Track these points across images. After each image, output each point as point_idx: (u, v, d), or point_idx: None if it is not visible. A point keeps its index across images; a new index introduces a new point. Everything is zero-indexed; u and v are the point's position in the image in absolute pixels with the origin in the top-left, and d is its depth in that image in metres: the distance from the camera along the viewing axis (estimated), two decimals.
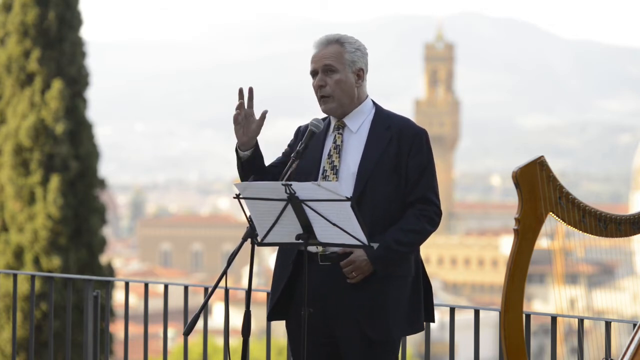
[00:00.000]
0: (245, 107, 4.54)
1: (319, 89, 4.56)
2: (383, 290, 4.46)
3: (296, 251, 4.53)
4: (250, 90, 4.54)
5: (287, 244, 4.39)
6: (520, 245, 4.58)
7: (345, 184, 4.48)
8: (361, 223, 4.17)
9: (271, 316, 4.63)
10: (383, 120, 4.57)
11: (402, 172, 4.51)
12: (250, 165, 4.57)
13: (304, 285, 4.30)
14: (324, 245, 4.32)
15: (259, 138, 4.59)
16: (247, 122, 4.55)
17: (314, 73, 4.57)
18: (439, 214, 4.54)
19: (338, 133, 4.59)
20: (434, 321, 4.67)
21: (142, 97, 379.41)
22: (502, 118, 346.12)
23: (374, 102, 4.65)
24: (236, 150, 4.59)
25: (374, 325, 4.44)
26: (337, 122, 4.61)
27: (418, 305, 4.55)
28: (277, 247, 4.55)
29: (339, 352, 4.53)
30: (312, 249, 4.48)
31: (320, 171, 4.55)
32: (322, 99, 4.56)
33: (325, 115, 4.68)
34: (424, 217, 4.49)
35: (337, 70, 4.53)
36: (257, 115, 4.57)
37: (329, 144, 4.60)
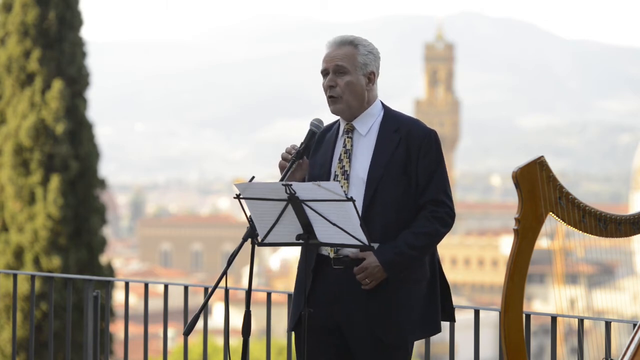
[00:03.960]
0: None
1: (328, 89, 4.53)
2: (397, 295, 4.44)
3: (315, 258, 4.50)
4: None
5: (288, 244, 4.38)
6: (520, 245, 4.58)
7: (356, 190, 4.47)
8: (361, 223, 4.16)
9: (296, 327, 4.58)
10: (391, 122, 4.54)
11: (412, 175, 4.47)
12: None
13: (306, 288, 4.31)
14: (325, 245, 4.31)
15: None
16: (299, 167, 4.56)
17: (324, 72, 4.54)
18: (451, 214, 4.49)
19: (348, 137, 4.56)
20: (454, 320, 4.64)
21: (142, 97, 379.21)
22: (502, 118, 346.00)
23: (382, 104, 4.62)
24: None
25: (387, 329, 4.42)
26: (347, 126, 4.58)
27: (434, 308, 4.52)
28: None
29: (351, 355, 4.51)
30: (325, 252, 4.48)
31: (332, 176, 4.53)
32: (331, 99, 4.53)
33: (336, 118, 4.65)
34: (435, 219, 4.45)
35: (349, 72, 4.50)
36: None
37: (339, 148, 4.57)
